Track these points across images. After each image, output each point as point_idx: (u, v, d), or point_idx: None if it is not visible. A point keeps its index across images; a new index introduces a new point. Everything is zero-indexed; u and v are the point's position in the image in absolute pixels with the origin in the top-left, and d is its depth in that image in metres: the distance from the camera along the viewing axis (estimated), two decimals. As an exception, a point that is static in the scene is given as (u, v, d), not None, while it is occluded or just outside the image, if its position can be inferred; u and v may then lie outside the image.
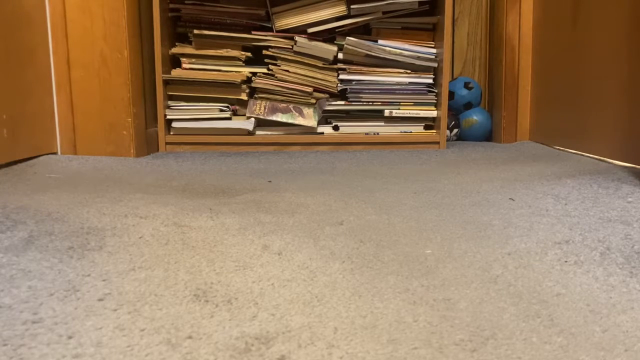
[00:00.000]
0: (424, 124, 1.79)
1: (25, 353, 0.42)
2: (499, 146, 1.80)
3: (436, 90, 1.77)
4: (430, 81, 1.77)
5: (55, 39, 1.42)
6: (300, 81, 1.75)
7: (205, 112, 1.71)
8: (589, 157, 1.42)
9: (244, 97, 1.74)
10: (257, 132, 1.74)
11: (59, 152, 1.45)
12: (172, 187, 1.09)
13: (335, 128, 1.77)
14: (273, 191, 1.04)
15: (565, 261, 0.64)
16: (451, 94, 1.92)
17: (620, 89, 1.30)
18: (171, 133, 1.71)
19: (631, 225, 0.76)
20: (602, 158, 1.38)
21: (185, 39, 1.77)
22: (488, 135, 1.99)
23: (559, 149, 1.61)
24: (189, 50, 1.73)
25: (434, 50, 1.77)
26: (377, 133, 1.78)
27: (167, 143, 1.69)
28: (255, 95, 1.77)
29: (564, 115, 1.59)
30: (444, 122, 1.74)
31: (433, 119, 1.80)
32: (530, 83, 1.84)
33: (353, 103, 1.76)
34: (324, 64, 1.76)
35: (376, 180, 1.18)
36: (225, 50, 1.73)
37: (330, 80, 1.76)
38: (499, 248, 0.69)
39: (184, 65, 1.72)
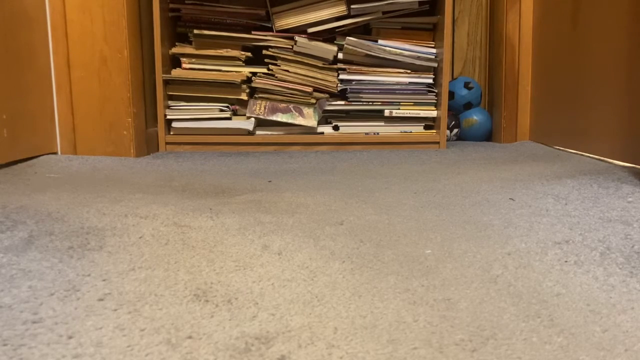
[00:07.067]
0: (424, 124, 1.79)
1: (25, 353, 0.42)
2: (499, 146, 1.80)
3: (436, 90, 1.77)
4: (430, 81, 1.77)
5: (55, 39, 1.42)
6: (300, 81, 1.75)
7: (205, 112, 1.71)
8: (589, 157, 1.42)
9: (244, 97, 1.74)
10: (257, 132, 1.74)
11: (59, 152, 1.45)
12: (172, 187, 1.09)
13: (335, 128, 1.77)
14: (273, 191, 1.04)
15: (565, 261, 0.64)
16: (451, 94, 1.92)
17: (620, 89, 1.30)
18: (171, 133, 1.71)
19: (631, 225, 0.76)
20: (602, 158, 1.38)
21: (185, 39, 1.78)
22: (488, 135, 1.99)
23: (559, 149, 1.61)
24: (189, 50, 1.73)
25: (434, 50, 1.77)
26: (377, 133, 1.78)
27: (167, 143, 1.69)
28: (255, 95, 1.77)
29: (564, 115, 1.59)
30: (444, 122, 1.74)
31: (433, 119, 1.80)
32: (530, 83, 1.84)
33: (353, 103, 1.76)
34: (324, 64, 1.76)
35: (376, 180, 1.18)
36: (225, 50, 1.73)
37: (330, 80, 1.76)
38: (499, 248, 0.69)
39: (184, 65, 1.72)
